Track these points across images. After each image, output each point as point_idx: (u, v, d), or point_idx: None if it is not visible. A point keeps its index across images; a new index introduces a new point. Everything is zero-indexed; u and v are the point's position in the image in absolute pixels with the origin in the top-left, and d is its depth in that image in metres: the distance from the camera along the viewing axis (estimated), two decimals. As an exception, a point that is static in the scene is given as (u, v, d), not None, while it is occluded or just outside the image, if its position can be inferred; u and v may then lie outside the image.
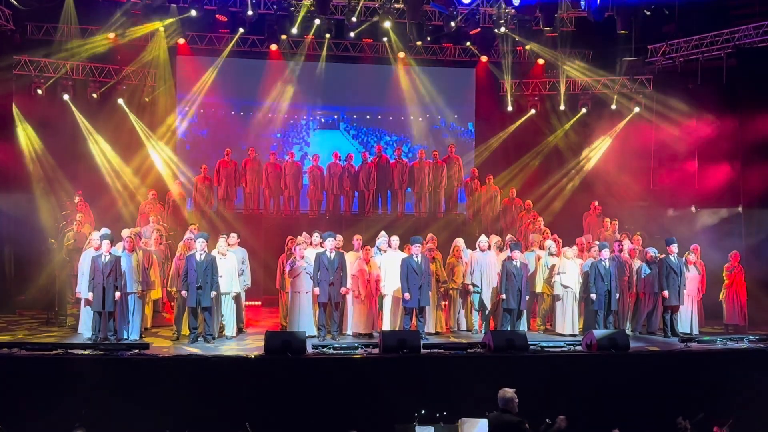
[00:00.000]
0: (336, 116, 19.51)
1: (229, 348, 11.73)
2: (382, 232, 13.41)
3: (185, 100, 18.60)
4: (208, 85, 18.40)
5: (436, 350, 10.85)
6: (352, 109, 19.53)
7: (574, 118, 19.09)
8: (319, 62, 18.59)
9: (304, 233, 13.57)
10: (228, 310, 12.57)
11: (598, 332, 11.17)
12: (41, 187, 16.30)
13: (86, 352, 10.21)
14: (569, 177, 19.00)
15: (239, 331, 12.92)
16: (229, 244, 12.99)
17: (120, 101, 17.65)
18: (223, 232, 13.24)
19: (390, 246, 12.98)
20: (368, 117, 19.69)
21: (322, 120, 19.48)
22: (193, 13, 16.07)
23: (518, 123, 19.46)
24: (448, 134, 19.87)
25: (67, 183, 16.69)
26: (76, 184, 16.71)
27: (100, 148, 17.45)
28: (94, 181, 17.20)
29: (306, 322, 12.38)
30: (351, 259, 12.81)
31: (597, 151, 18.94)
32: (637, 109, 18.42)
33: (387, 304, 12.88)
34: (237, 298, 12.84)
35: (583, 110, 18.98)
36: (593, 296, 12.68)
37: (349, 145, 19.33)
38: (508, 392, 7.60)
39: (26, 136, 16.53)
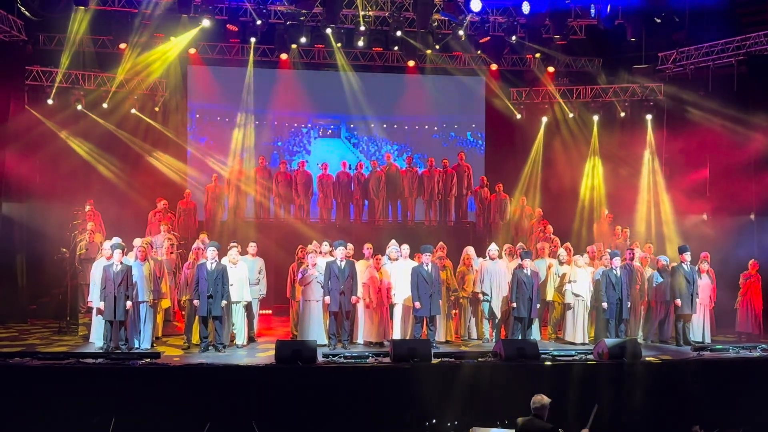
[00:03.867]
0: (352, 125, 19.45)
1: (239, 357, 11.74)
2: (393, 241, 13.36)
3: (195, 109, 18.65)
4: (218, 95, 18.45)
5: (447, 359, 10.83)
6: (357, 117, 19.34)
7: (593, 133, 19.00)
8: (328, 71, 18.61)
9: (314, 242, 13.58)
10: (239, 319, 12.58)
11: (610, 341, 11.11)
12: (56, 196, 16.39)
13: (98, 361, 10.26)
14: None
15: (250, 340, 12.91)
16: (249, 254, 13.05)
17: (133, 110, 17.72)
18: (234, 241, 13.24)
19: (400, 255, 12.96)
20: (384, 126, 19.45)
21: (320, 127, 19.44)
22: (206, 23, 16.08)
23: (538, 139, 19.32)
24: (457, 142, 19.83)
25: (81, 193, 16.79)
26: (90, 192, 16.77)
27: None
28: (109, 190, 17.25)
29: (317, 331, 12.37)
30: (362, 267, 12.80)
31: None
32: (648, 117, 18.37)
33: (398, 312, 12.85)
34: (249, 307, 12.85)
35: (595, 118, 18.92)
36: (604, 305, 12.64)
37: (349, 153, 19.29)
38: (545, 399, 7.54)
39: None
